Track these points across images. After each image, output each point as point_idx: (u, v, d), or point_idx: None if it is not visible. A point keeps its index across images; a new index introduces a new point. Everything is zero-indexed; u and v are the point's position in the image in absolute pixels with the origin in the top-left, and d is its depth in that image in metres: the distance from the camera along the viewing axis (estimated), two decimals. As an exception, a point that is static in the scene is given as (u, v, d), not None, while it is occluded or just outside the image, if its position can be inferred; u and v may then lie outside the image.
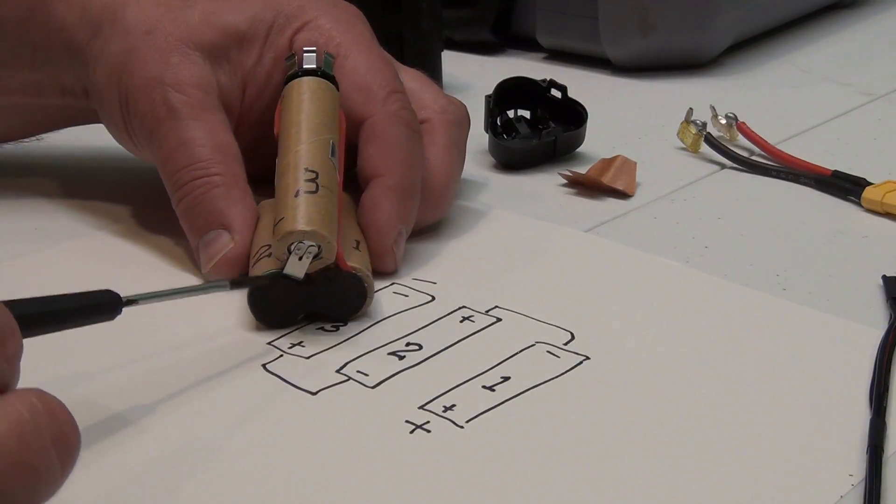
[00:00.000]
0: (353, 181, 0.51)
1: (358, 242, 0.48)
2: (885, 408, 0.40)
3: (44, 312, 0.31)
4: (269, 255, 0.46)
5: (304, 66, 0.49)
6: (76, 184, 0.60)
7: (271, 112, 0.50)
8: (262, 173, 0.49)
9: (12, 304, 0.29)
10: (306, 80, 0.49)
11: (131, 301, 0.38)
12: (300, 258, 0.44)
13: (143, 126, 0.50)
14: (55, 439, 0.28)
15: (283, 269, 0.44)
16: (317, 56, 0.50)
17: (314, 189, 0.45)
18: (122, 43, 0.51)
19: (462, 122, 0.55)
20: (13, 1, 0.54)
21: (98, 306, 0.36)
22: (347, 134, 0.50)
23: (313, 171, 0.45)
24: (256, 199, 0.50)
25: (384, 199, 0.49)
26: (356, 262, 0.46)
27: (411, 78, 0.55)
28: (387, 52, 0.55)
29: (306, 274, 0.44)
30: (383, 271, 0.49)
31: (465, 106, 0.56)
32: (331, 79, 0.50)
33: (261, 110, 0.52)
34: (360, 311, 0.46)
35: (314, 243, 0.44)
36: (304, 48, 0.50)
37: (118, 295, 0.37)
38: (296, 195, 0.44)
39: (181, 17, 0.52)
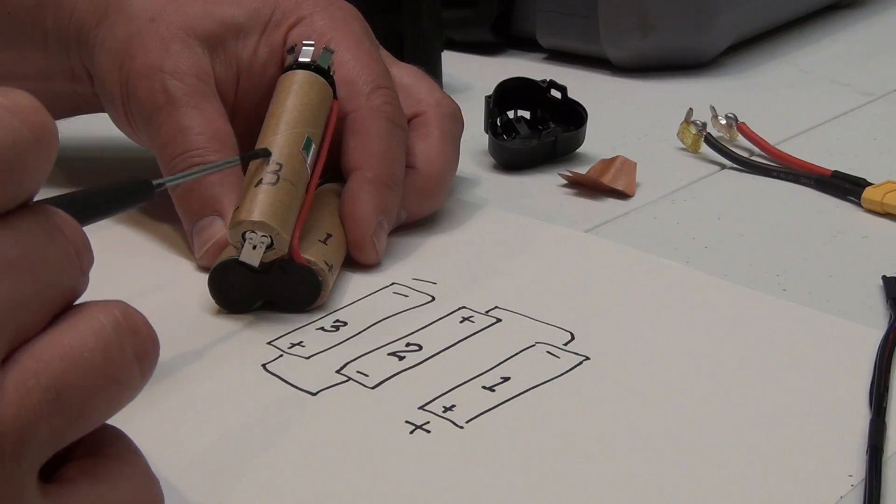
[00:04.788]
0: (342, 175, 0.51)
1: (329, 235, 0.48)
2: (885, 408, 0.40)
3: (93, 205, 0.33)
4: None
5: (299, 59, 0.50)
6: (81, 172, 0.60)
7: (265, 105, 0.50)
8: None
9: (66, 203, 0.30)
10: (296, 73, 0.50)
11: (160, 185, 0.39)
12: (254, 247, 0.45)
13: (142, 112, 0.51)
14: (137, 352, 0.29)
15: (239, 256, 0.45)
16: (314, 50, 0.50)
17: (275, 181, 0.46)
18: (125, 29, 0.52)
19: (456, 115, 0.55)
20: None
21: (135, 191, 0.38)
22: (335, 127, 0.50)
23: (279, 164, 0.47)
24: None
25: (362, 191, 0.50)
26: (316, 254, 0.46)
27: (407, 73, 0.55)
28: (383, 50, 0.55)
29: (262, 263, 0.45)
30: (365, 263, 0.50)
31: (458, 105, 0.57)
32: (325, 73, 0.50)
33: (254, 102, 0.53)
34: (314, 303, 0.47)
35: (265, 234, 0.45)
36: (304, 41, 0.51)
37: (149, 181, 0.39)
38: (256, 185, 0.46)
39: (184, 6, 0.53)
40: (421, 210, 0.53)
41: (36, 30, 0.55)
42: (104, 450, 0.30)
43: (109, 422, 0.30)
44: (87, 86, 0.55)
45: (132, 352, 0.29)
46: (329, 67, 0.51)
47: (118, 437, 0.30)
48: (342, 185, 0.51)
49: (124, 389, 0.29)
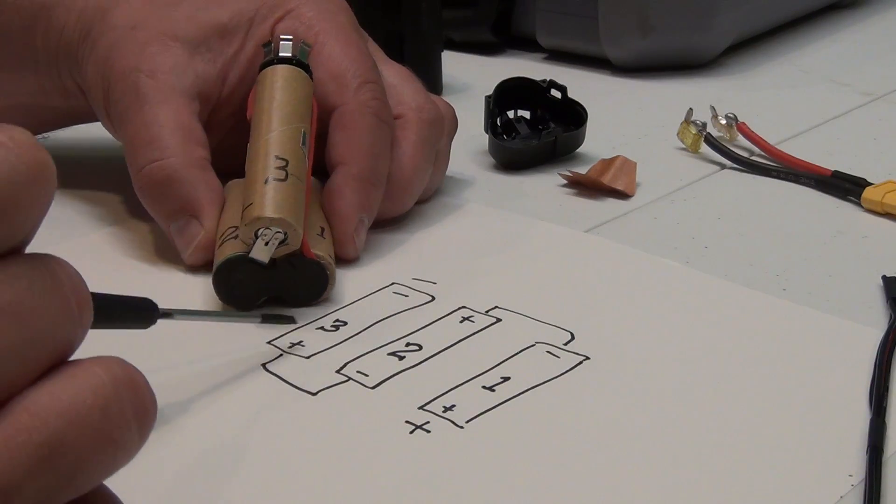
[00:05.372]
0: (323, 168, 0.51)
1: (323, 229, 0.49)
2: (885, 408, 0.40)
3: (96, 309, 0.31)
4: (236, 237, 0.46)
5: (280, 55, 0.50)
6: (78, 179, 0.60)
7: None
8: (243, 158, 0.50)
9: None
10: (280, 69, 0.50)
11: (167, 314, 0.38)
12: (266, 243, 0.45)
13: (117, 112, 0.51)
14: (136, 411, 0.28)
15: (248, 252, 0.45)
16: (293, 45, 0.50)
17: (283, 177, 0.46)
18: (108, 39, 0.52)
19: (436, 121, 0.54)
20: (19, 8, 0.55)
21: (137, 312, 0.37)
22: (319, 121, 0.50)
23: (283, 159, 0.46)
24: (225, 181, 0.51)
25: (346, 187, 0.50)
26: (320, 249, 0.47)
27: (394, 73, 0.55)
28: (372, 44, 0.55)
29: (271, 259, 0.45)
30: (345, 258, 0.50)
31: (449, 106, 0.56)
32: (305, 67, 0.50)
33: (242, 96, 0.53)
34: (320, 297, 0.47)
35: (280, 230, 0.44)
36: (281, 36, 0.51)
37: (155, 304, 0.38)
38: (265, 182, 0.46)
39: (166, 14, 0.53)
40: (385, 212, 0.52)
41: (26, 51, 0.55)
42: None
43: None
44: (81, 100, 0.55)
45: (131, 411, 0.28)
46: (307, 63, 0.50)
47: (104, 496, 0.29)
48: (321, 180, 0.51)
49: (121, 451, 0.28)
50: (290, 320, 0.45)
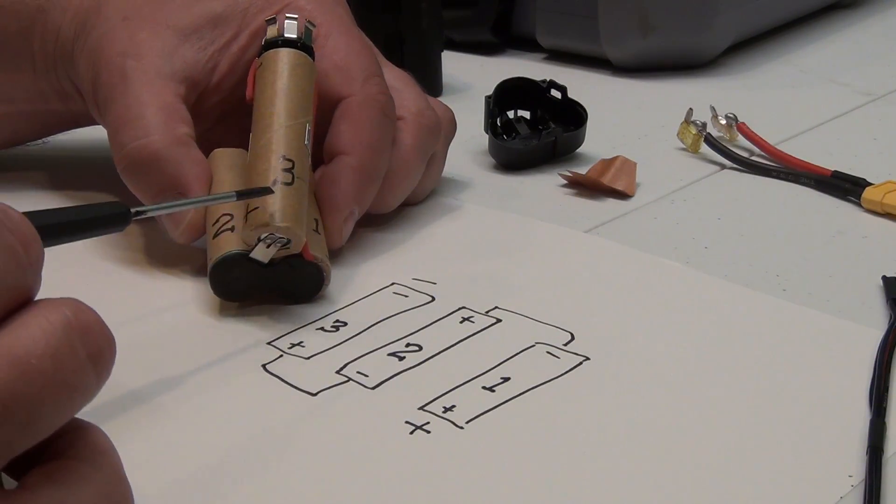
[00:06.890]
0: (318, 155, 0.51)
1: (317, 222, 0.48)
2: (885, 408, 0.40)
3: (59, 223, 0.30)
4: (232, 228, 0.46)
5: (286, 35, 0.50)
6: (78, 180, 0.60)
7: (244, 85, 0.50)
8: (236, 140, 0.50)
9: (30, 216, 0.28)
10: (287, 54, 0.49)
11: (140, 212, 0.38)
12: (268, 246, 0.45)
13: (103, 95, 0.51)
14: (90, 353, 0.27)
15: (248, 252, 0.45)
16: (298, 24, 0.50)
17: (290, 180, 0.45)
18: (100, 29, 0.52)
19: (435, 128, 0.54)
20: (15, 12, 0.55)
21: (109, 217, 0.36)
22: (321, 111, 0.50)
23: (290, 160, 0.46)
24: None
25: (344, 177, 0.49)
26: (317, 248, 0.47)
27: (395, 77, 0.55)
28: (366, 37, 0.55)
29: (270, 259, 0.45)
30: (329, 247, 0.49)
31: (448, 110, 0.56)
32: (309, 50, 0.50)
33: (232, 85, 0.53)
34: (314, 296, 0.47)
35: (285, 236, 0.44)
36: (287, 14, 0.50)
37: (127, 207, 0.37)
38: (272, 184, 0.45)
39: (160, 5, 0.52)
40: (369, 208, 0.52)
41: (23, 55, 0.55)
42: (69, 451, 0.28)
43: (91, 418, 0.29)
44: (79, 103, 0.55)
45: (85, 353, 0.27)
46: (311, 45, 0.50)
47: (86, 437, 0.29)
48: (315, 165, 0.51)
49: (77, 393, 0.27)
50: (268, 191, 0.44)
